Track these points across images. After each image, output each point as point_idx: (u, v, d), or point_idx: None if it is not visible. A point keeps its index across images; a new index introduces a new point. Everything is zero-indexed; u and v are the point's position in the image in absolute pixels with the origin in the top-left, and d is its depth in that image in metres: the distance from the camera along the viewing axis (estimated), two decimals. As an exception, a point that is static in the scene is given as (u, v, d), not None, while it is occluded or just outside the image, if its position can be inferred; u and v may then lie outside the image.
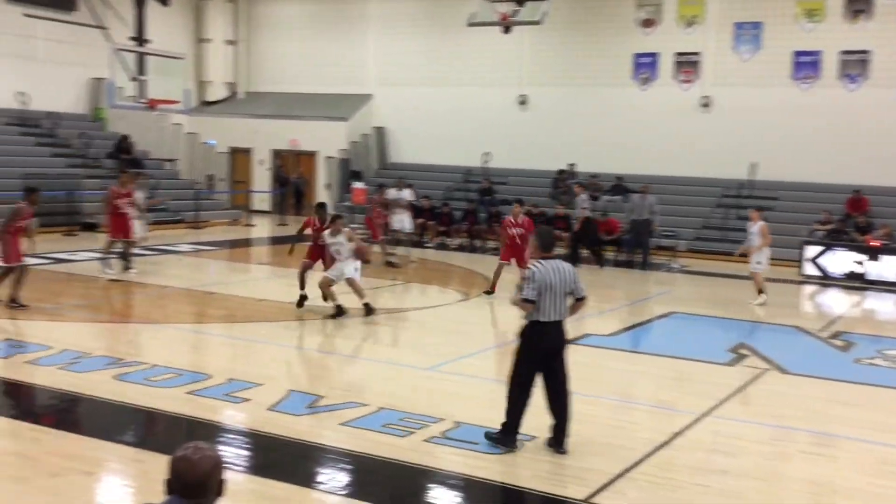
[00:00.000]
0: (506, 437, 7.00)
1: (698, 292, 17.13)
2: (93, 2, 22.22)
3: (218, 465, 3.02)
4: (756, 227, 14.59)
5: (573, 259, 18.00)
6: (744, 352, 11.04)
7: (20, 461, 6.46)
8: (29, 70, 24.66)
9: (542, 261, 6.94)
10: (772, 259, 15.39)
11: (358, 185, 24.91)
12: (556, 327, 6.98)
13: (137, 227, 16.05)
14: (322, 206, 14.03)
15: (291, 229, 24.51)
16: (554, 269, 6.88)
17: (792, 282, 18.08)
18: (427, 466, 6.65)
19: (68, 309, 12.39)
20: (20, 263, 11.89)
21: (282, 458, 6.74)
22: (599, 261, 19.32)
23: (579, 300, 7.14)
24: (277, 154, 28.98)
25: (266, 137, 28.75)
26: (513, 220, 14.25)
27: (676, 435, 7.59)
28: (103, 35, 22.21)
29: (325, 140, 27.83)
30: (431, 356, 10.25)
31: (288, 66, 29.66)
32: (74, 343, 9.94)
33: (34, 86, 24.46)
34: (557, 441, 7.01)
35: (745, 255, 15.41)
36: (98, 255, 15.94)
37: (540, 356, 7.00)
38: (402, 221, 19.77)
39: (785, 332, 12.99)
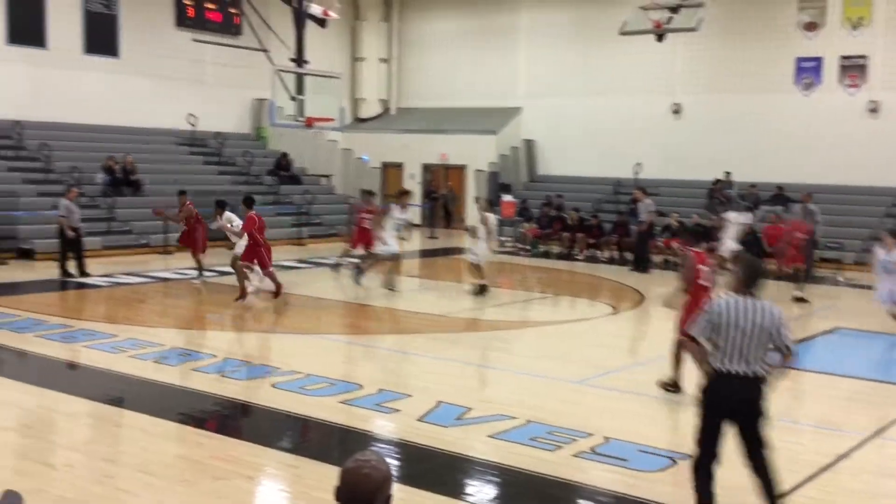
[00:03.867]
0: None
1: (866, 307, 16.16)
2: (256, 26, 23.30)
3: (388, 479, 2.99)
4: None
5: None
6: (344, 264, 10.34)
7: (186, 464, 6.80)
8: (198, 93, 26.11)
9: (736, 295, 5.63)
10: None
11: (507, 198, 24.98)
12: (744, 383, 5.51)
13: (388, 242, 15.70)
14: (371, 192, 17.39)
15: (441, 242, 24.90)
16: (747, 307, 5.54)
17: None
18: (576, 482, 6.57)
19: (232, 319, 12.99)
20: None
21: (430, 469, 6.81)
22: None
23: (785, 355, 5.60)
24: (427, 168, 29.45)
25: (417, 152, 29.29)
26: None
27: (841, 457, 7.19)
28: (266, 57, 23.19)
29: (475, 154, 28.07)
30: (581, 369, 10.12)
31: (438, 82, 30.14)
32: (236, 352, 10.41)
33: (202, 107, 25.83)
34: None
35: None
36: (334, 261, 17.67)
37: (719, 419, 5.59)
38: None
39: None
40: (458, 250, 23.64)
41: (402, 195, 16.84)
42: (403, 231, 16.07)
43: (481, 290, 14.98)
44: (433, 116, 29.71)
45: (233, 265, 13.76)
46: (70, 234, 15.67)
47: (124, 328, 11.41)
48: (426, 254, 23.13)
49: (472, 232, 15.52)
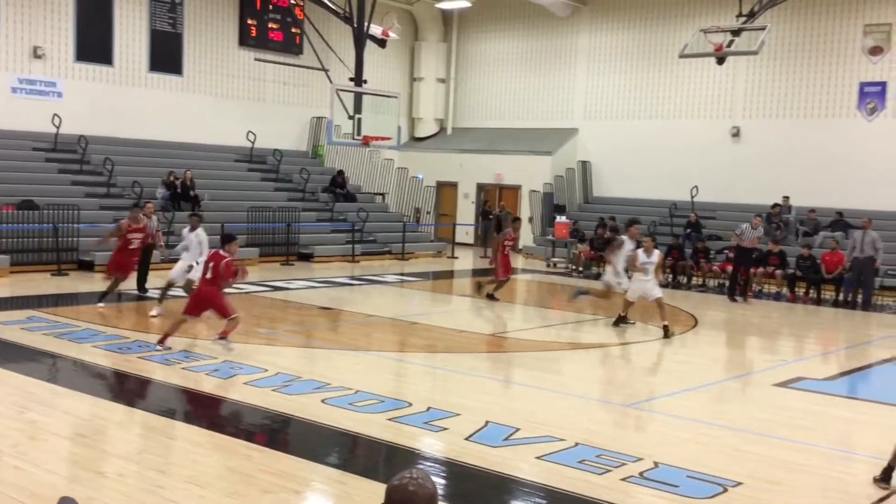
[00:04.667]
0: None
1: (929, 337, 15.77)
2: (316, 45, 23.65)
3: (434, 497, 2.94)
4: None
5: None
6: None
7: (235, 476, 6.86)
8: (258, 111, 26.55)
9: None
10: None
11: (561, 219, 24.89)
12: None
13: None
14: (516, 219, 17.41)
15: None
16: None
17: None
18: (623, 507, 6.48)
19: (283, 334, 13.12)
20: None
21: (477, 489, 6.78)
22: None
23: None
24: (482, 188, 29.49)
25: (471, 171, 29.36)
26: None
27: (899, 491, 6.98)
28: (325, 76, 23.51)
29: (530, 174, 28.05)
30: (632, 393, 10.00)
31: (495, 102, 30.24)
32: (287, 366, 10.50)
33: (262, 125, 26.26)
34: None
35: None
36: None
37: None
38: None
39: None
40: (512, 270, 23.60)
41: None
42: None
43: (620, 321, 14.48)
44: (489, 136, 29.78)
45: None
46: (160, 244, 15.94)
47: (178, 340, 11.58)
48: (478, 273, 23.11)
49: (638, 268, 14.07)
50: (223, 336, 11.15)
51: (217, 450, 7.56)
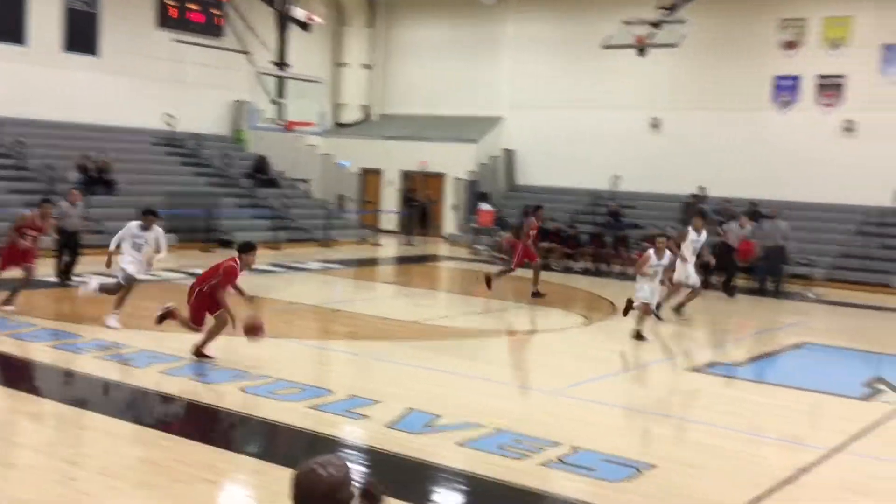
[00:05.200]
0: None
1: (835, 323, 16.36)
2: (238, 28, 23.24)
3: (344, 482, 2.89)
4: None
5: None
6: (881, 387, 10.43)
7: (148, 467, 6.74)
8: (177, 93, 25.95)
9: None
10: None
11: (485, 207, 25.04)
12: None
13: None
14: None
15: (418, 250, 24.89)
16: None
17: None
18: (542, 491, 6.57)
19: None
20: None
21: (397, 476, 6.79)
22: (729, 290, 18.52)
23: None
24: (406, 175, 29.46)
25: (396, 159, 29.28)
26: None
27: (803, 471, 7.24)
28: (247, 59, 23.16)
29: (455, 162, 28.10)
30: (551, 379, 10.14)
31: (420, 89, 30.16)
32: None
33: (181, 108, 25.70)
34: None
35: None
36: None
37: None
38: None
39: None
40: (435, 258, 23.69)
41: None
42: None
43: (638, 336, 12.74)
44: (414, 124, 29.73)
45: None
46: (54, 236, 14.98)
47: (88, 328, 11.30)
48: (402, 261, 23.12)
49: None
50: (200, 353, 10.10)
51: (131, 440, 7.42)
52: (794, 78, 23.75)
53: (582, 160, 26.39)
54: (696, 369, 11.22)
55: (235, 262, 10.01)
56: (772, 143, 23.66)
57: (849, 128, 22.87)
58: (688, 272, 14.51)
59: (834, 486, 7.07)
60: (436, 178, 28.94)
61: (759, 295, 18.80)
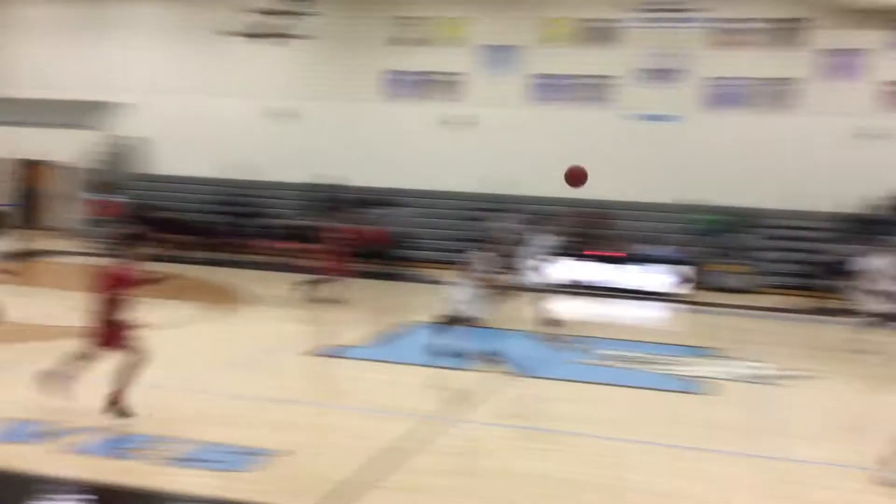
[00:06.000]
0: None
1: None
2: None
3: None
4: None
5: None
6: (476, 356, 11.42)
7: None
8: None
9: None
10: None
11: (105, 197, 23.77)
12: None
13: None
14: None
15: (23, 244, 22.77)
16: None
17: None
18: (168, 492, 6.52)
19: None
20: None
21: (9, 493, 6.37)
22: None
23: None
24: (20, 163, 26.96)
25: (8, 145, 26.66)
26: None
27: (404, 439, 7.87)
28: None
29: (72, 149, 26.17)
30: (170, 373, 9.94)
31: (32, 72, 27.70)
32: None
33: None
34: None
35: None
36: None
37: None
38: None
39: (521, 337, 13.53)
40: (44, 252, 21.97)
41: None
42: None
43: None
44: (29, 108, 27.17)
45: None
46: None
47: None
48: (12, 258, 21.15)
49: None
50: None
51: None
52: (404, 73, 25.31)
53: (211, 149, 25.92)
54: (320, 353, 11.63)
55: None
56: (382, 134, 25.05)
57: (445, 121, 24.78)
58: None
59: (441, 453, 7.78)
60: (53, 167, 26.74)
61: (393, 280, 19.81)
